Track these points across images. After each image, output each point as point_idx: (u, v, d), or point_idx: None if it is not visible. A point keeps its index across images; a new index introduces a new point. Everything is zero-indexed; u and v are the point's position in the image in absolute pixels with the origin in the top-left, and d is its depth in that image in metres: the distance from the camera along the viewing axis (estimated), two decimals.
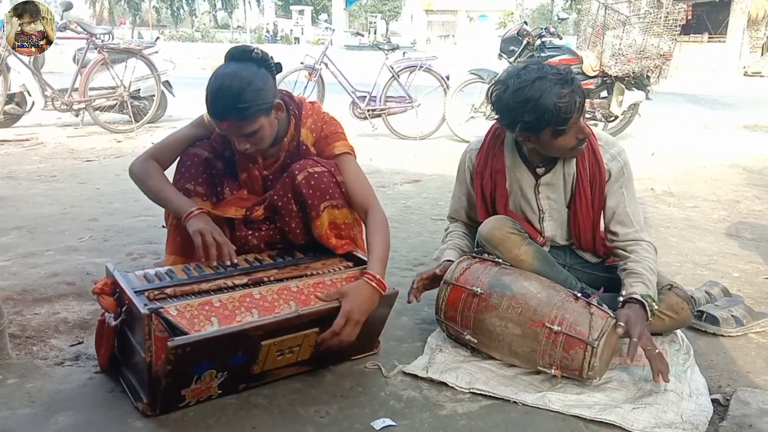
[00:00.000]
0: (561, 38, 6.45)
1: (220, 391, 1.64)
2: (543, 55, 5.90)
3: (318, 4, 44.83)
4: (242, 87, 1.76)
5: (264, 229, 2.00)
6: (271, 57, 1.91)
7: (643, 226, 2.04)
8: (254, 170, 2.03)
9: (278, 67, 1.93)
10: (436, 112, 6.34)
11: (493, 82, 1.96)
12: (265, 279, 1.75)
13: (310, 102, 2.09)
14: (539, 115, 1.81)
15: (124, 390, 1.66)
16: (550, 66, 1.88)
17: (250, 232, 1.99)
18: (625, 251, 1.99)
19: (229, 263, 1.83)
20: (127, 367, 1.69)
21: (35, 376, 1.74)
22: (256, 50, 1.87)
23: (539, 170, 2.05)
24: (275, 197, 1.95)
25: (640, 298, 1.83)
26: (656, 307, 1.86)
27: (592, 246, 2.11)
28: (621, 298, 1.86)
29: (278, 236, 2.00)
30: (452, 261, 2.02)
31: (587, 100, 5.38)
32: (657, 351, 1.76)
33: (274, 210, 1.97)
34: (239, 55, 1.86)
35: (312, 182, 1.89)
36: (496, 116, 1.96)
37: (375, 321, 1.85)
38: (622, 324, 1.75)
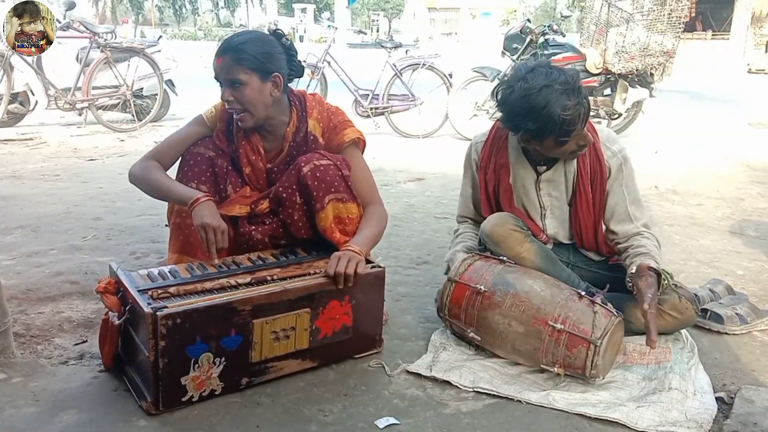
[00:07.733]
0: (564, 36, 6.44)
1: (222, 384, 1.64)
2: (546, 52, 5.88)
3: (320, 2, 44.80)
4: (251, 39, 1.90)
5: (268, 223, 2.00)
6: (299, 61, 2.02)
7: (647, 222, 2.02)
8: (258, 162, 2.03)
9: (299, 69, 2.02)
10: (439, 110, 6.33)
11: (499, 80, 1.96)
12: (268, 278, 1.75)
13: (310, 94, 2.11)
14: (542, 125, 1.80)
15: (128, 389, 1.67)
16: (558, 71, 1.82)
17: (253, 228, 1.99)
18: (627, 243, 1.98)
19: (218, 250, 1.82)
20: (131, 365, 1.69)
21: (40, 374, 1.75)
22: (287, 38, 2.00)
23: (540, 168, 2.05)
24: (280, 189, 1.96)
25: (656, 267, 1.82)
26: (671, 281, 1.83)
27: (594, 245, 2.10)
28: (633, 269, 1.84)
29: (281, 230, 2.00)
30: None
31: (590, 98, 5.36)
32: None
33: (279, 202, 1.98)
34: (272, 33, 1.99)
35: (318, 174, 1.89)
36: (500, 117, 1.96)
37: (370, 305, 1.86)
38: (650, 295, 1.72)
